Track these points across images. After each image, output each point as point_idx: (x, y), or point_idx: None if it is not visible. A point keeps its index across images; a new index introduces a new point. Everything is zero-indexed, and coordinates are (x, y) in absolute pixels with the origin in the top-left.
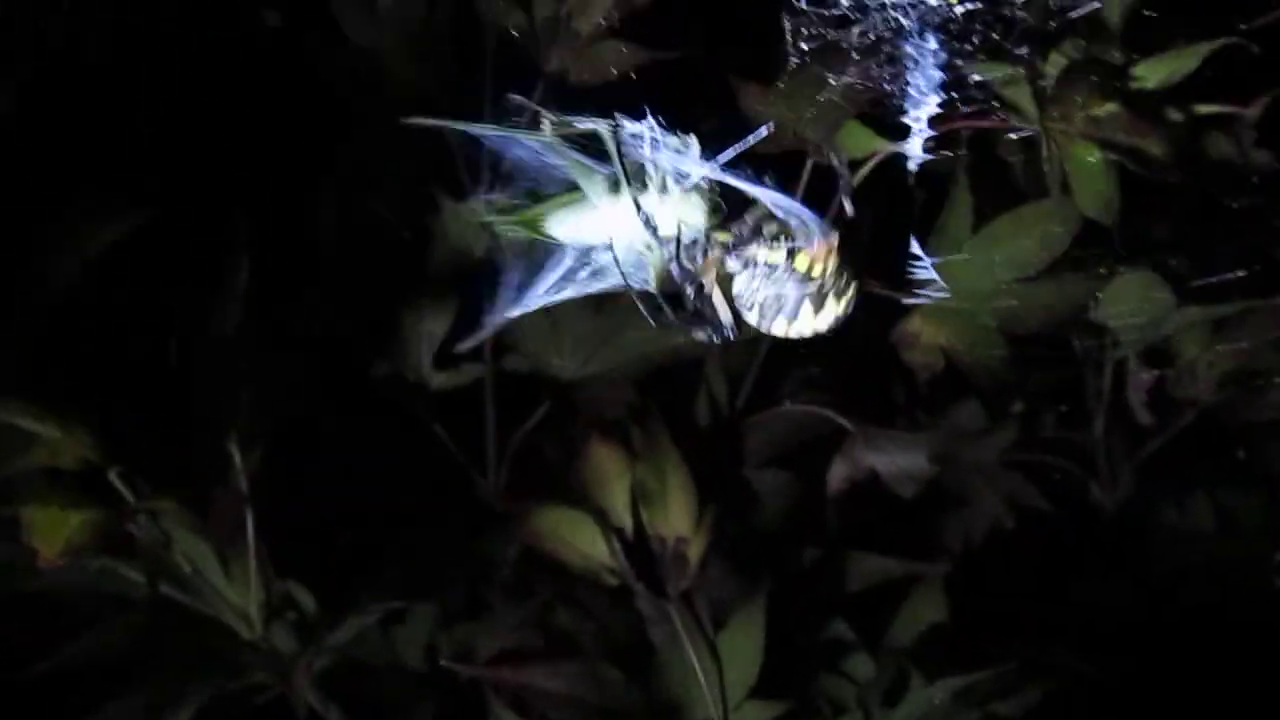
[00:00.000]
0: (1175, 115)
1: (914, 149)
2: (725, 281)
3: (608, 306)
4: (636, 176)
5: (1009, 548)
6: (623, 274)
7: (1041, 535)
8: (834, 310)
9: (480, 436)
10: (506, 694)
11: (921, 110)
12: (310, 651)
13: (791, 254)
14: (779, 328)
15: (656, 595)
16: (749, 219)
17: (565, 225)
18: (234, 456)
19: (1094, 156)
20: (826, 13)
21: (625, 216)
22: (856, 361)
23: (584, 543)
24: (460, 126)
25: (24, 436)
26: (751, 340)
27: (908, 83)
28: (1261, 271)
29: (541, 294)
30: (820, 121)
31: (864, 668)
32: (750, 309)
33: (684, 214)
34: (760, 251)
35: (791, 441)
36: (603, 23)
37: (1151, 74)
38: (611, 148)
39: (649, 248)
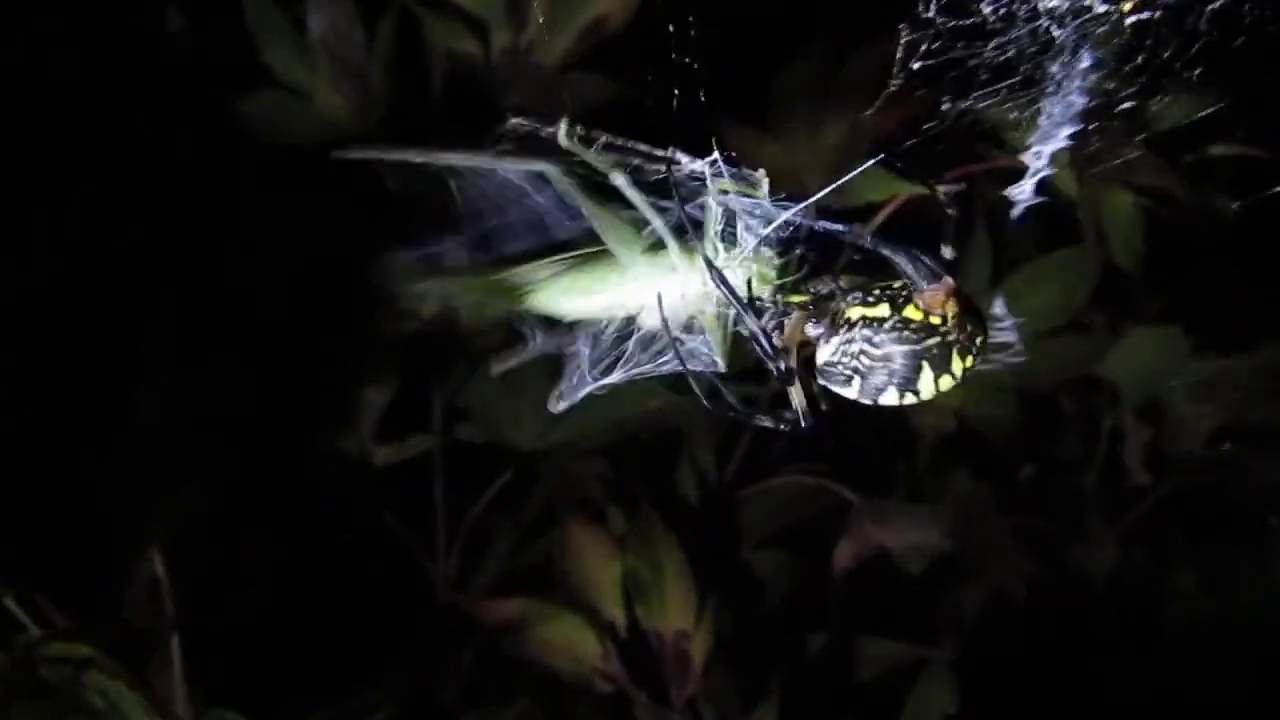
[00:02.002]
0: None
1: (1025, 191)
2: (805, 350)
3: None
4: (692, 227)
5: (1000, 620)
6: (680, 356)
7: (1029, 604)
8: (960, 369)
9: (429, 517)
10: None
11: (1048, 145)
12: None
13: (896, 303)
14: (889, 398)
15: (659, 704)
16: (829, 271)
17: (573, 295)
18: (157, 567)
19: (1127, 202)
20: (959, 23)
21: (663, 280)
22: (849, 427)
23: (572, 643)
24: (440, 159)
25: None
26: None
27: (1039, 110)
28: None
29: (589, 379)
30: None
31: None
32: (846, 380)
33: (753, 271)
34: (854, 308)
35: (791, 516)
36: (569, 54)
37: (1166, 114)
38: (633, 195)
39: (712, 320)
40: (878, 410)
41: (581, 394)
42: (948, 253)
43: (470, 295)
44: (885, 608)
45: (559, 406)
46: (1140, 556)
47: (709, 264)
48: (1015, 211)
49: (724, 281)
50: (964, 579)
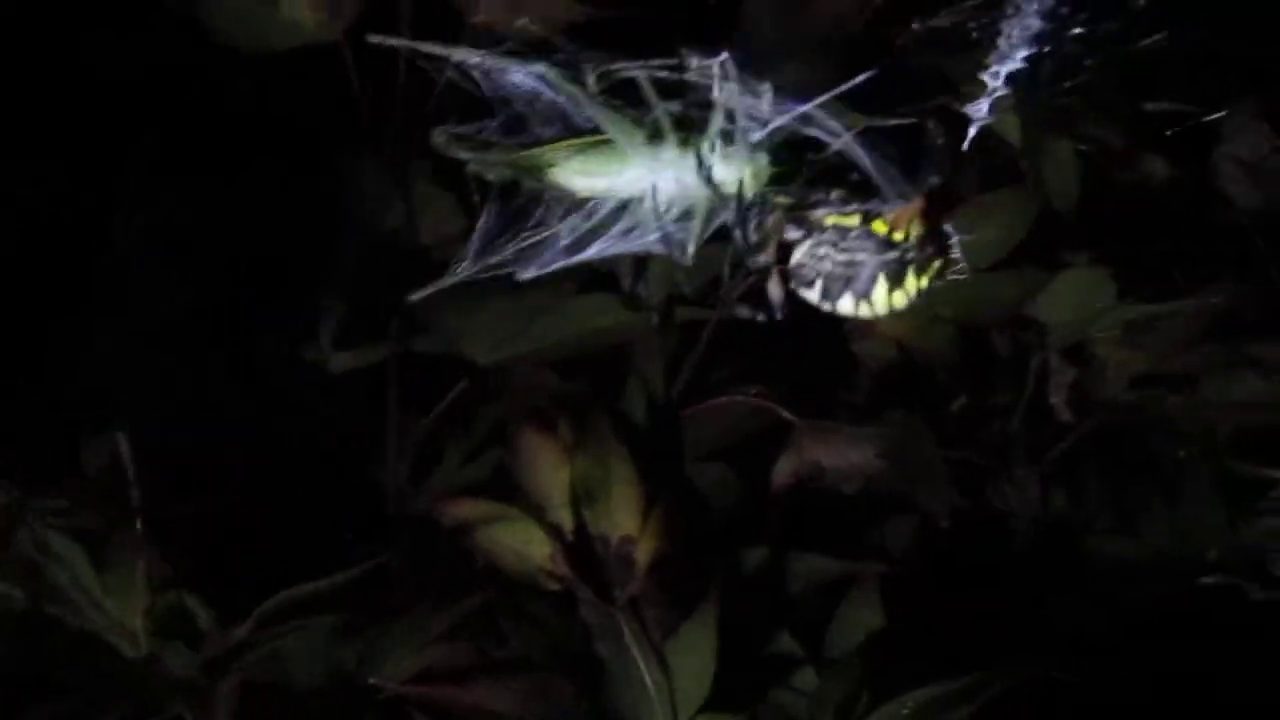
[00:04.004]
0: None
1: (980, 110)
2: (782, 252)
3: (526, 285)
4: (692, 125)
5: (925, 547)
6: (665, 236)
7: (952, 535)
8: (913, 286)
9: (379, 425)
10: (439, 715)
11: (1005, 66)
12: (217, 675)
13: (868, 217)
14: (845, 306)
15: (603, 601)
16: (815, 177)
17: (584, 175)
18: (122, 447)
19: (1067, 148)
20: None
21: (662, 170)
22: (792, 353)
23: (519, 542)
24: (443, 52)
25: None
26: (688, 324)
27: (998, 32)
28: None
29: (561, 251)
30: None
31: (807, 679)
32: (810, 284)
33: (746, 171)
34: (830, 215)
35: (733, 435)
36: None
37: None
38: (646, 90)
39: (700, 209)
40: (824, 334)
41: (553, 267)
42: (933, 173)
43: (500, 169)
44: (819, 526)
45: (527, 274)
46: (1059, 495)
47: (699, 158)
48: (971, 130)
49: (711, 174)
50: (895, 503)
